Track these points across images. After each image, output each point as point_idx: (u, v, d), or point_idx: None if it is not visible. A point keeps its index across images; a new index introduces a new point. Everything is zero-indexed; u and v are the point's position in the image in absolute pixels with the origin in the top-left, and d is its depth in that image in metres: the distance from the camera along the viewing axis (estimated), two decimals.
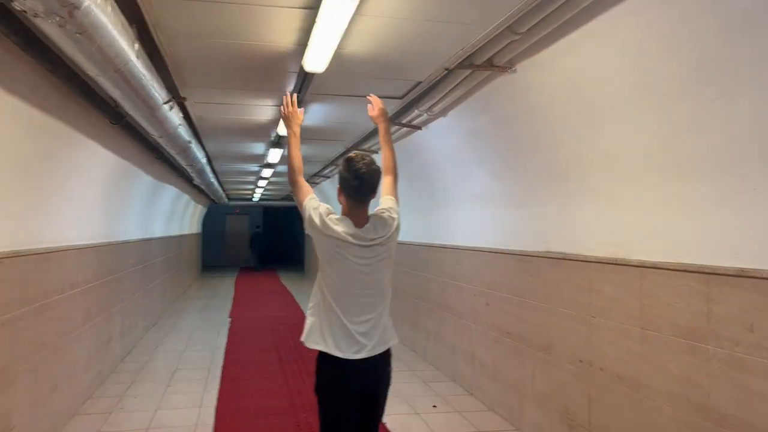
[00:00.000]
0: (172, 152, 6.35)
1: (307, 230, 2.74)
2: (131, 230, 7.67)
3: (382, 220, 2.73)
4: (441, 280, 6.62)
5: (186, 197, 13.11)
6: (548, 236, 4.38)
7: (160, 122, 4.63)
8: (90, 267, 5.52)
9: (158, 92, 4.14)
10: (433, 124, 5.76)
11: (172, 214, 11.83)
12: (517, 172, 4.71)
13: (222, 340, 8.15)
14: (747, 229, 2.65)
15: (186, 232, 14.89)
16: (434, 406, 5.30)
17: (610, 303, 3.61)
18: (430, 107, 5.16)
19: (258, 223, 24.49)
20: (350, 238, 2.60)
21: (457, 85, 4.40)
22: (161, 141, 5.44)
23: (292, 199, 19.21)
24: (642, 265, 3.30)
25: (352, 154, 2.70)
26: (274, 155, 8.40)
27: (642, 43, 2.96)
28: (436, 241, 6.76)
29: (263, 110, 5.93)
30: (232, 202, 20.32)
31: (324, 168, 10.84)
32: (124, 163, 6.44)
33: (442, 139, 5.83)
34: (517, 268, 4.83)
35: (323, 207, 2.67)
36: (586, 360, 3.85)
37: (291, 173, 2.86)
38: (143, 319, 8.44)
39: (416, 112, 5.36)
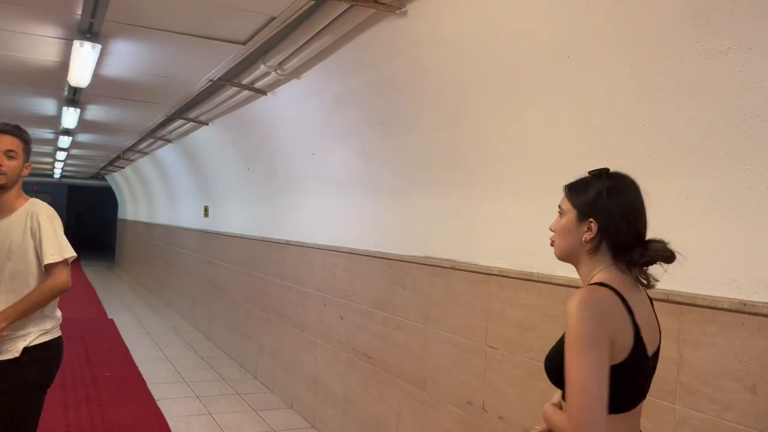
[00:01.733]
0: None
1: None
2: None
3: None
4: (282, 283, 5.43)
5: None
6: (430, 237, 3.41)
7: None
8: None
9: None
10: (282, 89, 4.55)
11: None
12: (394, 153, 3.68)
13: None
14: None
15: None
16: None
17: (519, 331, 2.72)
18: (281, 63, 3.96)
19: (62, 203, 21.37)
20: None
21: (326, 27, 3.25)
22: None
23: (102, 178, 16.75)
24: (570, 284, 2.43)
25: None
26: (71, 118, 6.55)
27: None
28: (278, 236, 5.55)
29: (46, 45, 4.22)
30: (28, 179, 17.18)
31: (140, 141, 9.04)
32: None
33: (293, 108, 4.64)
34: (384, 277, 3.82)
35: None
36: (478, 403, 2.93)
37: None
38: None
39: (262, 68, 4.12)
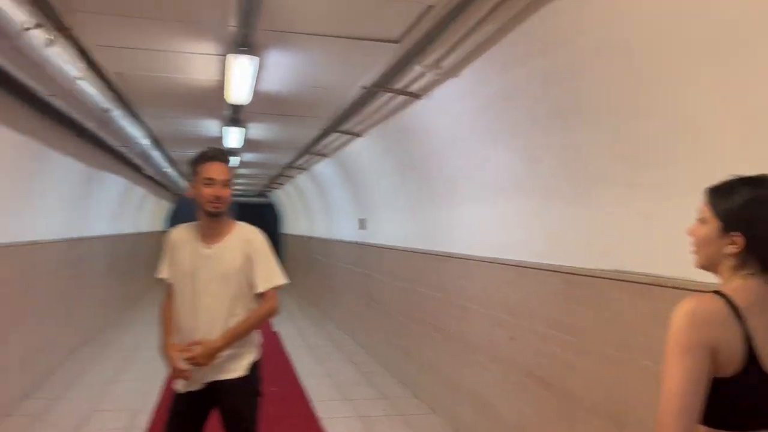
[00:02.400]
0: (89, 124, 4.77)
1: None
2: (52, 227, 6.07)
3: None
4: (441, 297, 5.10)
5: (141, 190, 11.47)
6: (620, 248, 2.88)
7: (30, 58, 3.02)
8: None
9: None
10: (437, 91, 4.24)
11: (121, 209, 10.18)
12: (568, 151, 3.20)
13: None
14: None
15: (144, 230, 13.22)
16: None
17: None
18: (438, 60, 3.65)
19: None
20: None
21: (490, 13, 2.87)
22: (54, 101, 3.84)
23: (265, 196, 17.71)
24: None
25: None
26: (235, 137, 6.80)
27: None
28: (436, 248, 5.24)
29: (202, 62, 4.30)
30: None
31: (298, 157, 9.28)
32: (27, 140, 4.84)
33: (449, 110, 4.31)
34: (562, 293, 3.33)
35: None
36: None
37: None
38: (67, 338, 6.80)
39: (417, 69, 3.84)
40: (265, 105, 5.48)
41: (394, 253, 6.46)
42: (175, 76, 4.56)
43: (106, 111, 4.51)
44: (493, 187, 4.11)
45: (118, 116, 4.93)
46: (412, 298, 5.84)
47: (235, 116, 6.12)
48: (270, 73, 4.38)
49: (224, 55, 3.82)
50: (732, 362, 1.31)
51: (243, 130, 6.54)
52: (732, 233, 1.38)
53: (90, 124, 4.79)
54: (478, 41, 3.23)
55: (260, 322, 2.62)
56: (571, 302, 3.24)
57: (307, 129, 6.85)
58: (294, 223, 15.59)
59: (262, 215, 24.42)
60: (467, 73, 3.75)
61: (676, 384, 1.30)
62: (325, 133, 6.89)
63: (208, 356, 2.45)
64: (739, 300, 1.35)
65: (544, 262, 3.50)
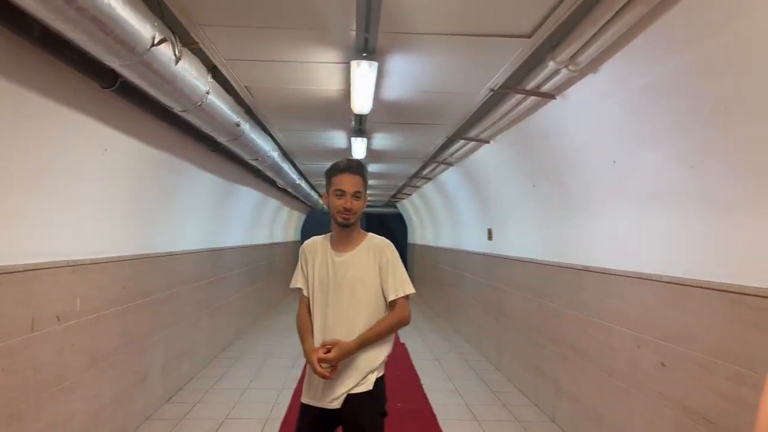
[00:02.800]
0: (221, 138, 4.92)
1: None
2: (191, 239, 6.40)
3: None
4: (579, 315, 4.66)
5: (275, 202, 11.94)
6: None
7: (159, 74, 3.10)
8: (105, 288, 4.19)
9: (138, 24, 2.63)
10: (573, 89, 3.87)
11: (256, 221, 10.63)
12: (739, 151, 2.71)
13: (296, 373, 6.65)
14: None
15: (279, 240, 13.78)
16: None
17: None
18: (573, 55, 3.30)
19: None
20: None
21: None
22: (187, 116, 3.96)
23: (394, 206, 17.80)
24: None
25: None
26: (360, 148, 6.79)
27: None
28: (572, 261, 4.81)
29: (327, 72, 4.24)
30: None
31: (423, 167, 9.13)
32: (167, 156, 5.10)
33: (587, 109, 3.91)
34: (730, 316, 2.84)
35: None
36: None
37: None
38: (207, 345, 7.14)
39: (551, 66, 3.51)
40: (386, 114, 5.38)
41: (525, 266, 6.07)
42: (301, 87, 4.57)
43: (237, 125, 4.62)
44: (640, 194, 3.65)
45: (248, 130, 5.04)
46: (546, 315, 5.43)
47: (360, 127, 6.09)
48: (391, 79, 4.25)
49: (347, 63, 3.74)
50: None
51: (365, 140, 6.50)
52: None
53: (222, 139, 4.93)
54: (623, 28, 2.85)
55: (391, 329, 2.63)
56: (741, 326, 2.74)
57: (431, 136, 6.67)
58: (421, 233, 15.51)
59: (390, 225, 24.69)
60: (609, 67, 3.36)
61: None
62: (449, 142, 6.67)
63: (343, 355, 2.49)
64: None
65: (705, 279, 3.02)
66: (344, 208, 2.56)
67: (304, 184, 10.59)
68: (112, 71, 3.19)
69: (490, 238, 7.67)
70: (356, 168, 2.63)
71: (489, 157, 6.51)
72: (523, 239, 6.24)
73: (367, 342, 2.54)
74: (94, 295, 4.03)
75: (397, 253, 2.70)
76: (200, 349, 6.84)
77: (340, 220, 2.59)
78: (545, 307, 5.44)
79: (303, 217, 18.47)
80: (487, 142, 5.97)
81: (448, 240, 11.18)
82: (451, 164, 7.91)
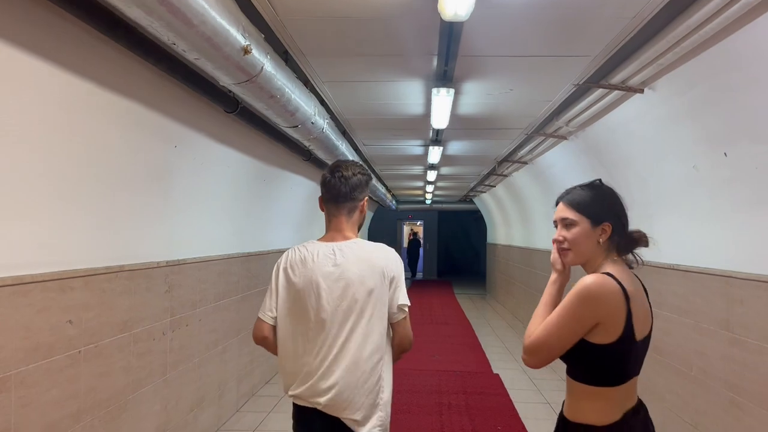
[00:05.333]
0: (320, 154, 5.58)
1: None
2: (284, 238, 7.16)
3: None
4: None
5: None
6: None
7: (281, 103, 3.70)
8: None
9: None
10: (663, 82, 3.73)
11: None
12: None
13: None
14: None
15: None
16: None
17: None
18: (626, 78, 3.70)
19: (433, 229, 23.20)
20: None
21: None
22: (294, 132, 4.58)
23: (469, 202, 17.61)
24: None
25: None
26: (435, 155, 7.38)
27: None
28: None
29: (407, 91, 4.80)
30: (403, 206, 19.55)
31: (490, 173, 9.52)
32: (268, 167, 5.85)
33: (673, 102, 3.71)
34: None
35: None
36: None
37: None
38: None
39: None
40: (462, 124, 5.95)
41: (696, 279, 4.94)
42: (388, 102, 5.20)
43: (335, 141, 5.27)
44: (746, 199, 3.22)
45: (342, 145, 5.68)
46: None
47: (437, 138, 6.69)
48: (466, 99, 4.84)
49: (427, 88, 4.39)
50: (613, 333, 1.64)
51: (441, 148, 7.10)
52: (603, 224, 1.77)
53: (319, 153, 5.55)
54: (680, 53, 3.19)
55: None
56: None
57: (504, 141, 7.14)
58: (505, 232, 13.14)
59: (463, 223, 23.97)
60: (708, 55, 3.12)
61: (556, 329, 1.67)
62: (527, 139, 6.98)
63: None
64: (625, 283, 1.68)
65: None
66: None
67: (380, 187, 11.24)
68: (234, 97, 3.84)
69: None
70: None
71: (559, 158, 6.74)
72: (690, 238, 4.10)
73: None
74: None
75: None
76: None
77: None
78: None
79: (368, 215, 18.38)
80: (565, 138, 5.89)
81: (543, 239, 9.07)
82: (525, 162, 8.08)
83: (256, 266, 5.94)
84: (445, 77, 4.02)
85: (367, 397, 2.05)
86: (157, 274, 3.75)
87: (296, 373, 2.09)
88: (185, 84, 3.41)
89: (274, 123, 4.27)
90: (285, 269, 2.14)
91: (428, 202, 17.94)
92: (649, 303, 1.79)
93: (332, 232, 2.18)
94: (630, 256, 1.82)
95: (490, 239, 16.24)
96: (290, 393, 2.12)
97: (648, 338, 1.75)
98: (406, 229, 24.74)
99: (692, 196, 3.93)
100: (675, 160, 4.06)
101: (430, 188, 12.87)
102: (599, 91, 4.33)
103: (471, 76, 4.23)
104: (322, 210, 2.22)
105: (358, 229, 2.25)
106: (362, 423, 2.05)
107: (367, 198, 2.24)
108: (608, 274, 1.68)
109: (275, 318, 2.14)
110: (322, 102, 4.99)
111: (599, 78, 4.17)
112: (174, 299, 4.00)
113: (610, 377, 1.69)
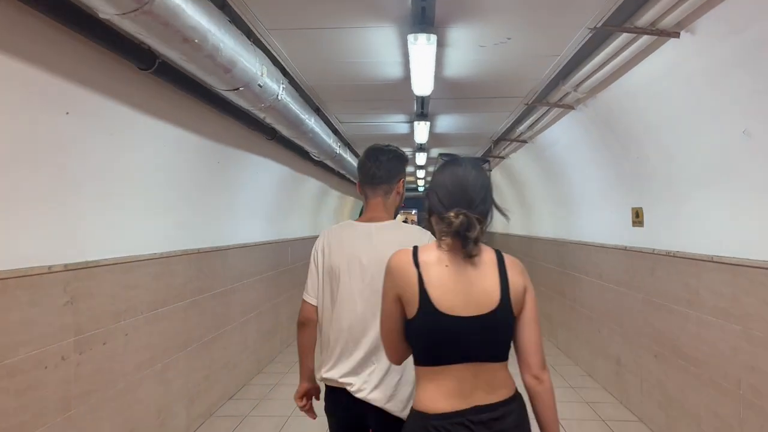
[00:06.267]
0: (283, 130, 4.72)
1: None
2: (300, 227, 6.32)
3: None
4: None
5: (333, 192, 11.77)
6: None
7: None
8: None
9: None
10: (703, 21, 2.97)
11: (316, 210, 10.47)
12: None
13: None
14: None
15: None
16: None
17: None
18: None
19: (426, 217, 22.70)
20: None
21: None
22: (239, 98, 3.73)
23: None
24: None
25: None
26: (422, 132, 6.47)
27: None
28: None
29: (379, 41, 3.85)
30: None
31: (489, 150, 8.67)
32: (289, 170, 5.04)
33: (713, 51, 3.03)
34: None
35: None
36: None
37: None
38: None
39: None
40: (449, 92, 5.04)
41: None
42: (361, 75, 4.32)
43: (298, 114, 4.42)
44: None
45: (310, 120, 4.83)
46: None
47: (422, 111, 5.77)
48: (451, 55, 3.90)
49: (405, 37, 3.40)
50: (412, 305, 1.60)
51: (428, 123, 6.16)
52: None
53: (282, 129, 4.75)
54: None
55: None
56: None
57: (500, 113, 6.24)
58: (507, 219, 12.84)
59: None
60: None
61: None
62: (517, 122, 6.22)
63: None
64: (421, 253, 1.66)
65: None
66: None
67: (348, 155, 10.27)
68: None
69: (639, 221, 4.75)
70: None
71: (562, 134, 5.98)
72: (737, 223, 3.36)
73: None
74: None
75: None
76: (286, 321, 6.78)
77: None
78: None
79: (357, 203, 17.96)
80: (572, 108, 5.08)
81: (546, 227, 8.24)
82: (525, 141, 7.31)
83: (213, 264, 5.06)
84: (423, 18, 3.08)
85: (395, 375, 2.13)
86: (50, 282, 2.86)
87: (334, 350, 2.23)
88: (65, 24, 2.51)
89: (210, 85, 3.38)
90: (322, 249, 2.23)
91: (421, 189, 17.55)
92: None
93: (369, 213, 2.26)
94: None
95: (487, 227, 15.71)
96: (323, 375, 2.28)
97: (475, 319, 1.58)
98: (400, 218, 24.07)
99: (740, 170, 3.21)
100: (717, 125, 3.30)
101: (421, 173, 12.02)
102: (618, 41, 3.52)
103: (457, 17, 3.28)
104: (360, 193, 2.31)
105: (396, 212, 2.34)
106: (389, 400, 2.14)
107: (403, 180, 2.33)
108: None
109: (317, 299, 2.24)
110: (276, 62, 4.08)
111: (622, 21, 3.28)
112: (80, 313, 3.11)
113: (428, 355, 1.62)
